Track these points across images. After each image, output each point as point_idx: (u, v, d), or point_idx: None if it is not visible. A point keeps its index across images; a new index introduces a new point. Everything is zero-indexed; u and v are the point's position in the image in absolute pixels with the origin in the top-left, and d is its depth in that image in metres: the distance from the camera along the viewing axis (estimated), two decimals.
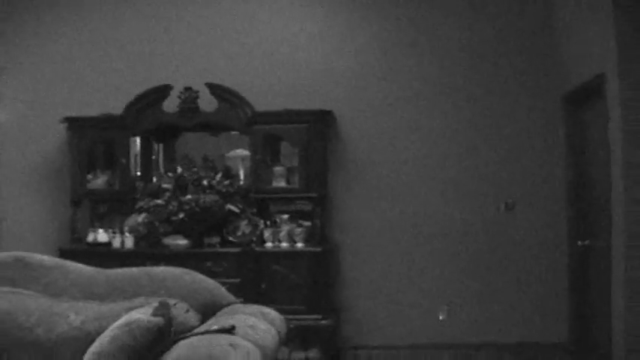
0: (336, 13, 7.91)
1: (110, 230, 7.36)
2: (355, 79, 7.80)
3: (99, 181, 7.46)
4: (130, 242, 7.17)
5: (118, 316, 3.64)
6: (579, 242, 6.88)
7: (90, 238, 7.30)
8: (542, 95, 7.58)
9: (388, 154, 7.76)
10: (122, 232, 7.26)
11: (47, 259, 4.65)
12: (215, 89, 7.28)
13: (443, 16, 7.75)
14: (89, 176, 7.45)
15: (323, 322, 6.98)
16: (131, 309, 3.69)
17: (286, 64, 7.83)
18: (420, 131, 7.72)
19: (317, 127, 7.31)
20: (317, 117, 7.29)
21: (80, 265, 4.61)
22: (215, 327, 3.64)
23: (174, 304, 3.71)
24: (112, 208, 7.65)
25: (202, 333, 3.56)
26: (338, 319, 7.45)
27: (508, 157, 7.64)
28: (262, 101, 7.43)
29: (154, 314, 3.44)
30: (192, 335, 3.53)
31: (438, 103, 7.71)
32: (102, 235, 7.28)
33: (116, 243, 7.23)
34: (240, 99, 7.25)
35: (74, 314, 3.90)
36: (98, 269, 4.59)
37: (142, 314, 3.45)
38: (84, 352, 3.55)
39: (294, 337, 6.74)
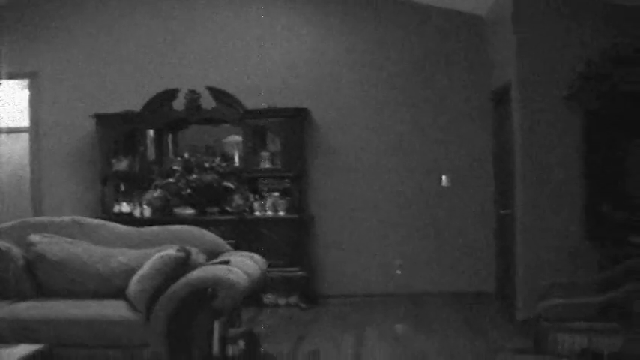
0: (314, 30, 9.23)
1: (131, 203, 8.78)
2: (327, 82, 9.15)
3: (122, 164, 8.88)
4: (147, 212, 8.60)
5: (150, 257, 5.40)
6: (501, 211, 8.25)
7: (115, 209, 8.75)
8: (475, 93, 8.93)
9: (353, 142, 9.13)
10: (141, 205, 8.68)
11: (95, 221, 6.41)
12: (213, 91, 8.75)
13: (400, 33, 9.10)
14: (114, 161, 8.88)
15: (299, 273, 8.46)
16: (159, 252, 5.43)
17: (271, 69, 9.15)
18: (379, 123, 9.10)
19: (295, 121, 8.75)
20: (295, 113, 8.74)
21: (118, 225, 6.34)
22: (217, 260, 5.41)
23: (189, 248, 5.45)
24: (132, 185, 8.95)
25: (208, 264, 5.32)
26: (313, 272, 8.90)
27: (449, 142, 9.00)
28: (251, 100, 8.84)
29: (178, 251, 5.22)
30: (201, 266, 5.29)
31: (394, 100, 9.08)
32: (125, 207, 8.74)
33: (136, 213, 8.65)
34: (234, 99, 8.72)
35: (121, 255, 5.67)
36: (131, 227, 6.33)
37: (171, 251, 5.24)
38: (130, 277, 5.35)
39: (278, 285, 8.30)
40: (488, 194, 8.89)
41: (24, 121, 9.65)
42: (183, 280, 4.97)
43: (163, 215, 8.52)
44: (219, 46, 9.30)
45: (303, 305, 8.42)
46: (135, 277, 5.24)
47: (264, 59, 9.22)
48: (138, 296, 5.07)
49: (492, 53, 8.63)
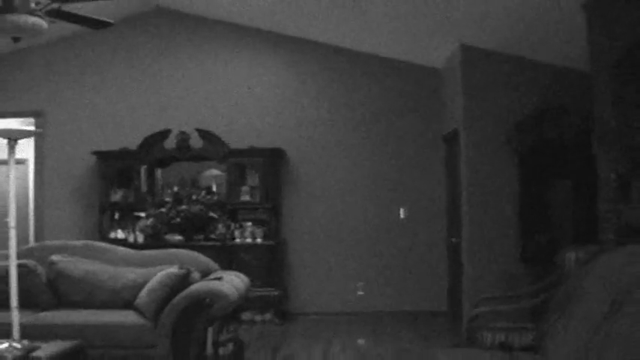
0: (289, 79, 10.27)
1: (126, 230, 9.73)
2: (301, 126, 10.17)
3: (117, 195, 9.87)
4: (140, 238, 9.53)
5: (154, 275, 6.46)
6: (451, 239, 9.28)
7: (112, 235, 9.69)
8: (430, 137, 10.01)
9: (323, 178, 10.16)
10: (134, 232, 9.62)
11: (104, 244, 7.49)
12: (201, 133, 9.78)
13: (367, 82, 10.17)
14: (111, 192, 9.87)
15: (274, 293, 9.42)
16: (162, 270, 6.50)
17: (252, 113, 10.18)
18: (345, 162, 10.14)
19: (272, 159, 9.79)
20: (272, 152, 9.78)
21: (123, 248, 7.41)
22: (212, 277, 6.50)
23: (188, 267, 6.54)
24: (126, 214, 9.89)
25: (204, 280, 6.41)
26: (286, 292, 9.88)
27: (407, 179, 10.06)
28: (235, 140, 9.86)
29: (179, 269, 6.32)
30: (198, 281, 6.37)
31: (359, 141, 10.14)
32: (120, 234, 9.71)
33: (130, 239, 9.56)
34: (219, 139, 9.75)
35: (129, 273, 6.71)
36: (134, 250, 7.39)
37: (174, 269, 6.33)
38: (137, 291, 6.41)
39: (255, 304, 9.18)
40: (441, 224, 9.91)
41: (29, 154, 10.72)
42: (184, 292, 6.04)
43: (154, 241, 9.36)
44: (206, 91, 10.31)
45: (277, 321, 9.38)
46: (144, 291, 6.30)
47: (246, 104, 10.25)
48: (147, 306, 6.13)
49: (445, 102, 9.69)
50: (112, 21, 6.64)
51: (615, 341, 3.82)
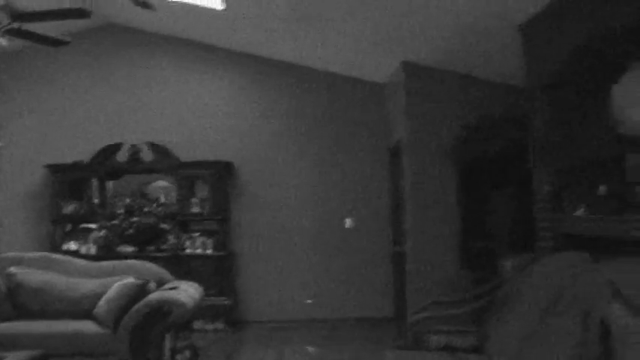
0: (238, 95, 10.54)
1: (78, 242, 9.88)
2: (249, 140, 10.42)
3: (70, 208, 10.01)
4: (93, 250, 9.69)
5: (111, 285, 6.70)
6: (396, 248, 9.58)
7: (64, 247, 9.81)
8: (376, 150, 10.34)
9: (270, 190, 10.42)
10: (87, 243, 9.78)
11: (60, 256, 7.67)
12: (152, 146, 10.03)
13: (313, 97, 10.47)
14: (62, 204, 10.01)
15: (225, 302, 9.66)
16: (119, 281, 6.73)
17: (202, 128, 10.41)
18: (292, 174, 10.42)
19: (221, 172, 10.05)
20: (221, 165, 10.03)
21: (79, 260, 7.63)
22: (167, 287, 6.75)
23: (144, 278, 6.79)
24: (78, 226, 10.08)
25: (161, 290, 6.66)
26: (236, 301, 10.11)
27: (353, 189, 10.38)
28: (185, 153, 10.12)
29: (136, 279, 6.56)
30: (155, 291, 6.62)
31: (306, 155, 10.43)
32: (72, 245, 9.83)
33: (83, 250, 9.70)
34: (169, 153, 10.02)
35: (88, 283, 6.94)
36: (90, 262, 7.61)
37: (131, 279, 6.57)
38: (96, 301, 6.63)
39: (206, 313, 9.39)
40: (385, 234, 10.27)
41: None
42: (143, 301, 6.30)
43: (107, 252, 9.55)
44: (157, 105, 10.51)
45: (228, 330, 9.62)
46: (102, 300, 6.54)
47: (196, 119, 10.48)
48: (106, 315, 6.36)
49: (389, 116, 10.05)
50: (69, 39, 6.87)
51: (547, 339, 4.21)
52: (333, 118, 10.53)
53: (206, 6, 8.34)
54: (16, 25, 6.12)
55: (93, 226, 10.00)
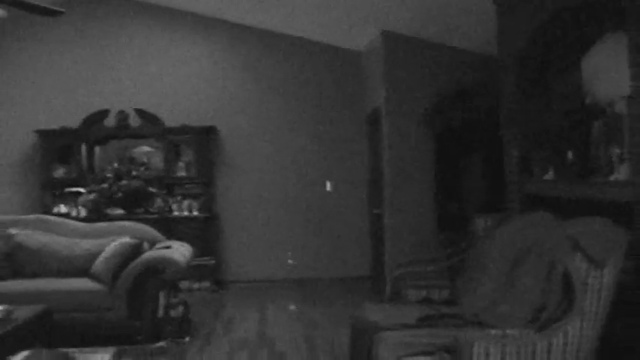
0: (222, 61, 10.86)
1: (68, 205, 10.21)
2: (232, 104, 10.80)
3: (59, 172, 10.33)
4: (83, 212, 10.02)
5: (106, 244, 7.07)
6: (374, 210, 10.00)
7: (54, 210, 10.13)
8: (354, 116, 10.79)
9: (253, 154, 10.81)
10: (77, 206, 10.12)
11: (55, 218, 8.03)
12: (139, 112, 10.36)
13: (294, 64, 10.83)
14: (52, 169, 10.31)
15: (211, 262, 10.08)
16: (113, 241, 7.10)
17: (187, 93, 10.75)
18: (275, 138, 10.83)
19: (205, 137, 10.43)
20: (205, 130, 10.41)
21: (73, 221, 7.99)
22: (160, 246, 7.14)
23: (139, 237, 7.18)
24: (65, 190, 10.36)
25: (155, 249, 7.05)
26: (221, 261, 10.55)
27: (333, 155, 10.81)
28: (171, 118, 10.45)
29: (132, 238, 6.94)
30: (149, 251, 7.01)
31: (287, 120, 10.82)
32: (63, 209, 10.17)
33: (73, 213, 10.04)
34: (156, 118, 10.35)
35: (84, 243, 7.31)
36: (84, 223, 7.97)
37: (127, 239, 6.95)
38: (91, 260, 7.00)
39: (193, 273, 9.62)
40: (364, 197, 10.73)
41: None
42: (139, 259, 6.69)
43: (96, 215, 9.89)
44: (144, 72, 10.79)
45: (214, 289, 10.05)
46: (99, 259, 6.91)
47: (182, 84, 10.81)
48: (104, 273, 6.75)
49: (368, 82, 10.43)
50: (63, 10, 7.10)
51: (515, 292, 4.66)
52: (313, 84, 10.89)
53: None
54: None
55: (81, 190, 10.28)
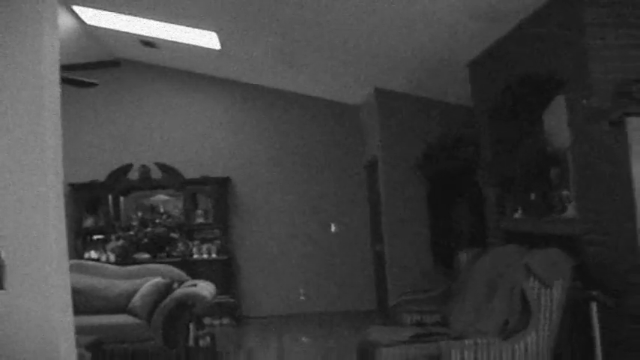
0: (236, 118, 11.84)
1: (98, 251, 11.16)
2: (246, 158, 11.75)
3: (89, 221, 11.37)
4: (112, 257, 10.94)
5: (141, 284, 8.08)
6: (376, 247, 10.90)
7: (86, 255, 11.06)
8: (354, 164, 11.73)
9: (264, 201, 11.77)
10: (106, 252, 11.04)
11: (92, 262, 9.04)
12: (160, 166, 11.37)
13: (301, 119, 11.80)
14: (83, 218, 11.35)
15: (230, 300, 10.90)
16: (148, 281, 8.12)
17: (204, 147, 11.71)
18: (284, 186, 11.76)
19: (221, 187, 11.42)
20: (221, 180, 11.40)
21: (109, 265, 9.01)
22: (188, 284, 8.16)
23: (170, 277, 8.20)
24: (91, 237, 11.40)
25: (184, 287, 8.06)
26: (239, 299, 11.46)
27: (336, 199, 11.76)
28: (189, 171, 11.43)
29: (164, 278, 7.98)
30: (179, 288, 8.02)
31: (295, 170, 11.77)
32: (93, 254, 11.09)
33: (103, 258, 10.94)
34: (176, 171, 11.35)
35: (121, 284, 8.33)
36: (118, 266, 8.97)
37: (159, 279, 7.99)
38: (129, 298, 8.02)
39: (213, 310, 10.46)
40: (366, 236, 11.64)
41: None
42: (171, 296, 7.69)
43: (124, 259, 10.79)
44: (164, 129, 11.75)
45: (234, 324, 10.95)
46: (137, 296, 7.93)
47: (199, 140, 11.78)
48: (141, 309, 7.76)
49: (365, 133, 11.41)
50: (97, 82, 8.11)
51: (490, 312, 5.69)
52: (317, 136, 11.84)
53: (205, 47, 9.73)
54: None
55: (109, 237, 11.26)
